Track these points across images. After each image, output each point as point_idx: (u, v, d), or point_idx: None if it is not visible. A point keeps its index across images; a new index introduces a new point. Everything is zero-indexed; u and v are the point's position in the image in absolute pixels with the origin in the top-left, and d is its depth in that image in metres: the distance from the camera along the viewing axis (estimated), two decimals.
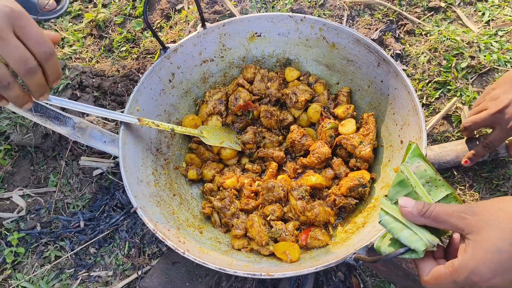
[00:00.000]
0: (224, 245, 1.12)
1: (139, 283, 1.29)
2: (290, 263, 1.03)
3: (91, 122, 1.43)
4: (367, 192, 1.16)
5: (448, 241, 0.79)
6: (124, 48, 1.73)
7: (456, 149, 1.37)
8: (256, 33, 1.32)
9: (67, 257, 1.38)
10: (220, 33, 1.29)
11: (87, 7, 1.87)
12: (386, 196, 0.85)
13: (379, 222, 0.81)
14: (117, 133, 1.44)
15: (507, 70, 1.52)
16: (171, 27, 1.77)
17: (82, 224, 1.42)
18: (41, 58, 0.71)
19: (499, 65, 1.54)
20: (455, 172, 1.39)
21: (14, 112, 1.54)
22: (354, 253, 0.90)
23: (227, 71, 1.38)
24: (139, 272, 1.30)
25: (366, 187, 1.15)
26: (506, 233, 0.66)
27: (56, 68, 0.74)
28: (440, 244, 0.75)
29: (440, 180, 0.83)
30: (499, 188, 1.33)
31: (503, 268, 0.66)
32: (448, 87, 1.52)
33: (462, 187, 1.36)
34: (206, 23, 1.26)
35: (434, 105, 1.50)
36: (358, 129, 1.26)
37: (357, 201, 1.17)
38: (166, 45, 1.23)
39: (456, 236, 0.77)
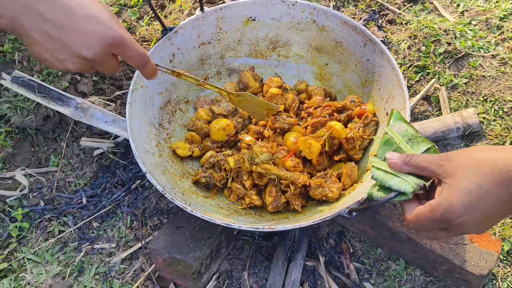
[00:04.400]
0: (226, 209, 1.21)
1: (142, 251, 1.36)
2: None
3: (93, 103, 1.49)
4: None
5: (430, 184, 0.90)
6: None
7: (433, 126, 1.49)
8: (250, 17, 1.41)
9: (71, 231, 1.43)
10: (217, 16, 1.38)
11: None
12: (375, 155, 0.95)
13: (372, 177, 0.92)
14: (118, 113, 1.52)
15: (481, 55, 1.66)
16: (165, 16, 1.85)
17: (84, 200, 1.49)
18: (138, 68, 0.94)
19: (473, 51, 1.67)
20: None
21: (15, 96, 1.59)
22: (348, 207, 1.00)
23: (224, 54, 1.46)
24: (143, 242, 1.37)
25: None
26: (475, 177, 0.77)
27: (153, 70, 0.96)
28: (426, 184, 0.86)
29: (420, 137, 0.94)
30: None
31: (471, 207, 0.77)
32: (427, 70, 1.64)
33: None
34: (204, 7, 1.35)
35: (415, 87, 1.62)
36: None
37: None
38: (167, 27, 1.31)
39: (437, 181, 0.87)
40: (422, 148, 0.92)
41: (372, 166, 0.93)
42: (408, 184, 0.85)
